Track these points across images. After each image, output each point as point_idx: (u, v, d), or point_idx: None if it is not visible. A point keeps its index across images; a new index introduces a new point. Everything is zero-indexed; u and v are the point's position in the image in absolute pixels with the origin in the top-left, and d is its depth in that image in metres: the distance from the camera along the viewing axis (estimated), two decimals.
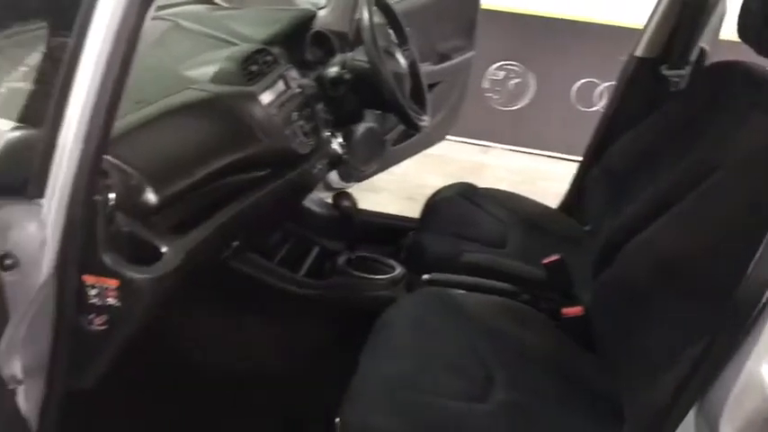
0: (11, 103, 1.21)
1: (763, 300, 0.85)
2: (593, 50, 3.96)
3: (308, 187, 1.73)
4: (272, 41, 1.81)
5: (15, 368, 1.10)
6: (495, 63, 4.16)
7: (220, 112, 1.41)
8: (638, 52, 2.10)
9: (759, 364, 0.84)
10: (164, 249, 1.14)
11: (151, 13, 0.98)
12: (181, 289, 1.25)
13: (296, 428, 1.55)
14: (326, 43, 2.06)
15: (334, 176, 2.65)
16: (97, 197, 1.02)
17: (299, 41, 1.98)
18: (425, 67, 2.72)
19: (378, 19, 2.31)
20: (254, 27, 1.85)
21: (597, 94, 4.02)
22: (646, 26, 2.08)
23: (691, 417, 0.92)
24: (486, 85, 4.21)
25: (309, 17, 2.02)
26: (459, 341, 1.49)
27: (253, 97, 1.47)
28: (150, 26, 1.77)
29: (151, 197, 1.17)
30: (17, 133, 1.02)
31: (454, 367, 1.41)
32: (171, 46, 1.68)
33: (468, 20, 3.00)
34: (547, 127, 4.15)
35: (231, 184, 1.37)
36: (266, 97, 1.51)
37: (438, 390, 1.34)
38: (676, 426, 0.93)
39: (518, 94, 4.18)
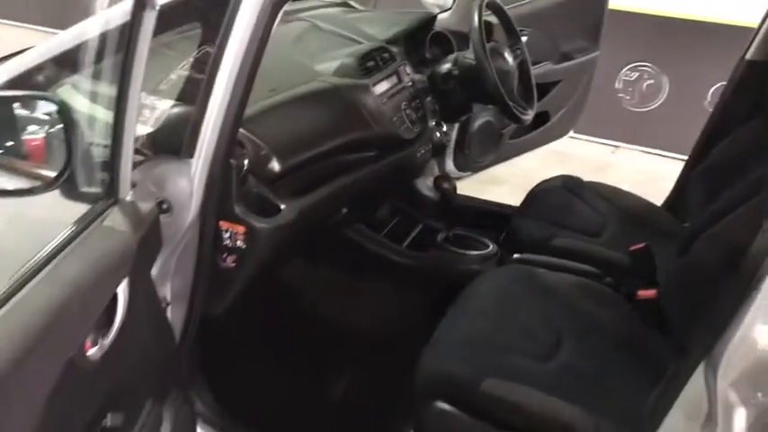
0: (177, 87, 1.54)
1: (760, 270, 0.98)
2: (732, 54, 3.89)
3: (411, 169, 1.95)
4: (393, 40, 2.06)
5: (166, 292, 1.41)
6: (628, 64, 4.18)
7: (338, 100, 1.67)
8: (749, 55, 2.14)
9: (752, 327, 0.98)
10: (282, 207, 1.42)
11: (274, 28, 1.25)
12: (297, 245, 1.53)
13: (389, 380, 1.77)
14: (445, 42, 2.29)
15: (450, 165, 2.87)
16: (232, 160, 1.31)
17: (420, 40, 2.21)
18: (545, 66, 2.87)
19: (494, 20, 2.51)
20: (380, 28, 2.11)
21: None
22: (757, 30, 2.12)
23: (701, 371, 1.06)
24: (618, 85, 4.24)
25: (429, 19, 2.24)
26: (536, 310, 1.67)
27: (366, 89, 1.72)
28: (291, 26, 2.09)
29: (276, 166, 1.45)
30: (176, 109, 1.33)
31: (527, 331, 1.59)
32: (307, 43, 1.97)
33: (594, 22, 3.08)
34: (679, 129, 4.11)
35: (343, 160, 1.63)
36: (378, 89, 1.76)
37: (509, 348, 1.53)
38: (686, 380, 1.07)
39: (650, 95, 4.18)
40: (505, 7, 2.86)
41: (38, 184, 1.11)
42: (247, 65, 1.23)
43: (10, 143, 1.25)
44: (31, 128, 1.27)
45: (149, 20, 0.97)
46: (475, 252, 2.05)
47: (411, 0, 2.95)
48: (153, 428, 1.06)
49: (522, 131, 2.96)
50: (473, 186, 3.01)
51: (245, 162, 1.39)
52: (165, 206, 1.30)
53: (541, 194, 2.27)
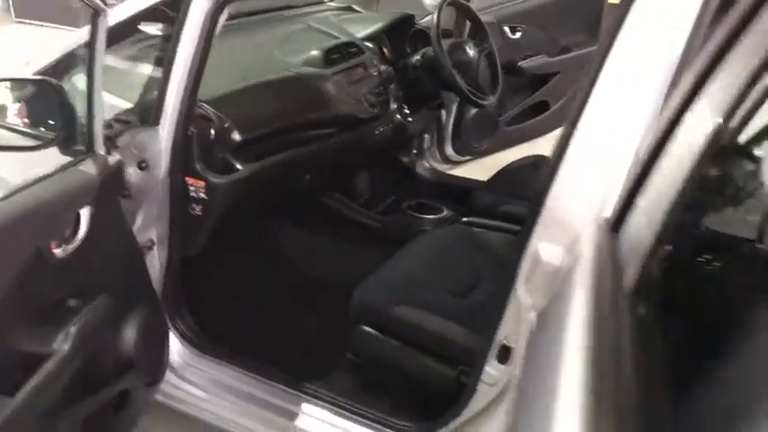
0: None
1: (544, 197, 1.28)
2: None
3: (369, 144, 2.27)
4: (372, 37, 2.42)
5: (152, 234, 1.82)
6: None
7: (300, 86, 2.05)
8: None
9: (537, 244, 1.28)
10: (239, 167, 1.81)
11: (220, 24, 1.63)
12: (258, 201, 1.90)
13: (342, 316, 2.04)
14: (425, 38, 2.62)
15: (450, 150, 3.18)
16: (192, 129, 1.70)
17: (401, 36, 2.55)
18: (540, 59, 3.14)
19: (489, 18, 2.82)
20: (361, 26, 2.47)
21: None
22: None
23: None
24: None
25: (406, 18, 2.57)
26: (463, 259, 1.98)
27: (326, 77, 2.08)
28: (289, 28, 2.47)
29: (237, 136, 1.83)
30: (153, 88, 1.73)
31: (450, 274, 1.90)
32: (293, 41, 2.35)
33: (593, 16, 3.31)
34: None
35: (302, 135, 2.00)
36: (339, 77, 2.12)
37: (428, 285, 1.84)
38: (509, 291, 1.38)
39: None
40: (506, 4, 3.17)
41: (40, 143, 1.55)
42: (198, 55, 1.62)
43: (26, 114, 1.70)
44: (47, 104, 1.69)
45: (103, 24, 1.38)
46: (430, 216, 2.38)
47: (413, 2, 3.29)
48: (112, 319, 1.46)
49: (519, 120, 3.24)
50: (478, 169, 3.29)
51: (212, 132, 1.78)
52: (144, 164, 1.71)
53: (509, 171, 2.55)
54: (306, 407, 1.79)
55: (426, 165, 2.97)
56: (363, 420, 1.71)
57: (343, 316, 1.82)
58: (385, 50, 2.50)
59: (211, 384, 1.90)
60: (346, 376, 1.90)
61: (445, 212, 2.42)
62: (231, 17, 2.37)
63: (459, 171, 3.18)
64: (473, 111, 3.02)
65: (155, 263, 1.83)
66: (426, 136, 2.99)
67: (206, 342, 1.92)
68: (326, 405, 1.77)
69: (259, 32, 2.35)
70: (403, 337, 1.74)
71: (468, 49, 2.40)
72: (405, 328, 1.73)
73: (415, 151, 2.94)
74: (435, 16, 2.28)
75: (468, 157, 3.20)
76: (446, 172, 3.09)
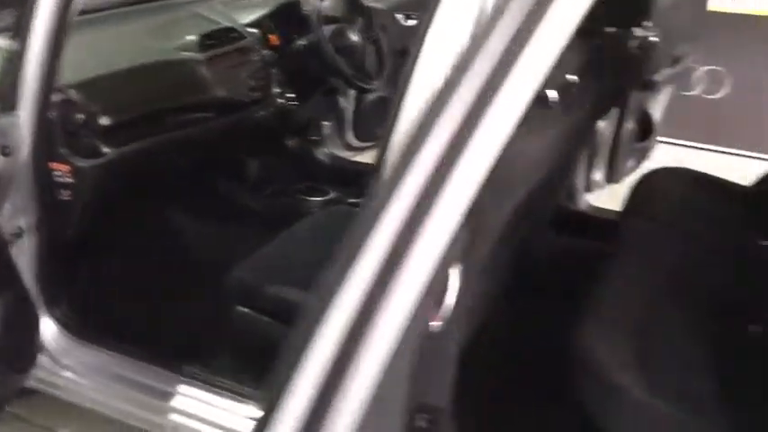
0: None
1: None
2: None
3: (250, 127, 2.30)
4: (255, 23, 2.44)
5: (21, 222, 1.80)
6: None
7: (173, 71, 2.06)
8: None
9: None
10: (105, 151, 1.81)
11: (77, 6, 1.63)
12: (131, 184, 1.91)
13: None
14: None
15: (351, 137, 3.22)
16: (52, 114, 1.69)
17: (288, 22, 2.58)
18: None
19: (379, 5, 2.87)
20: (246, 13, 2.49)
21: None
22: None
23: None
24: None
25: (291, 4, 2.59)
26: (340, 237, 2.01)
27: (201, 62, 2.10)
28: (176, 15, 2.46)
29: (105, 121, 1.84)
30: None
31: (326, 252, 1.94)
32: (176, 28, 2.34)
33: None
34: None
35: (176, 119, 2.01)
36: (216, 62, 2.14)
37: (302, 262, 1.87)
38: None
39: None
40: None
41: None
42: (54, 35, 1.61)
43: None
44: None
45: None
46: (317, 198, 2.43)
47: None
48: None
49: None
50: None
51: (78, 117, 1.78)
52: (7, 150, 1.70)
53: None
54: (181, 387, 1.81)
55: (326, 151, 3.00)
56: (235, 395, 1.74)
57: (223, 299, 1.84)
58: (273, 36, 2.51)
59: (88, 369, 1.89)
60: (223, 356, 1.92)
61: (331, 195, 2.46)
62: (117, 5, 2.39)
63: (367, 158, 3.22)
64: (372, 97, 3.07)
65: (25, 250, 1.82)
66: (327, 123, 3.03)
67: (84, 328, 1.92)
68: (201, 384, 1.79)
69: (140, 20, 2.35)
70: (276, 314, 1.77)
71: (351, 34, 2.44)
72: (278, 305, 1.77)
73: (315, 137, 2.97)
74: (317, 3, 2.31)
75: (370, 144, 3.24)
76: (350, 158, 3.12)
